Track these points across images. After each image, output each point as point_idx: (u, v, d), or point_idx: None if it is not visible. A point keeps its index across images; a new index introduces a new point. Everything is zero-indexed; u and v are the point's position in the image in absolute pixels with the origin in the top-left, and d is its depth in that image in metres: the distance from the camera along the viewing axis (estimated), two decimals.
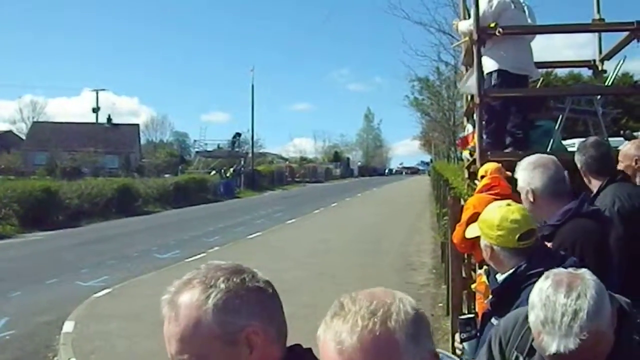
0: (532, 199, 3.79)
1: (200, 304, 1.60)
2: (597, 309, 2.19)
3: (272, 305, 1.66)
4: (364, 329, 1.41)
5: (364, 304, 1.45)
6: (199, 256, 16.28)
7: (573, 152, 4.88)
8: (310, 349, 1.72)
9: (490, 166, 6.14)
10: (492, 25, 7.30)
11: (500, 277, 3.27)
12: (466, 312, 7.13)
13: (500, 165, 6.15)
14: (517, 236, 3.12)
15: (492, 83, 7.50)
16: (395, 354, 1.41)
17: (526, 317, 2.41)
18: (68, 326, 10.32)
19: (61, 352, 9.10)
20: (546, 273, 2.17)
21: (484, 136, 7.41)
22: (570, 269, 2.24)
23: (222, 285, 1.62)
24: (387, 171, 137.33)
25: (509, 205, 3.33)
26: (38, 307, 12.11)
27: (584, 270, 2.25)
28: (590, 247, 3.54)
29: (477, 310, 5.34)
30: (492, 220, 3.24)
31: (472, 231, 3.56)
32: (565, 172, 3.94)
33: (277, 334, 1.65)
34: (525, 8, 7.99)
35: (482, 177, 6.08)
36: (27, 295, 13.16)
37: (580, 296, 2.20)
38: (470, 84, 7.92)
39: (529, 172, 3.94)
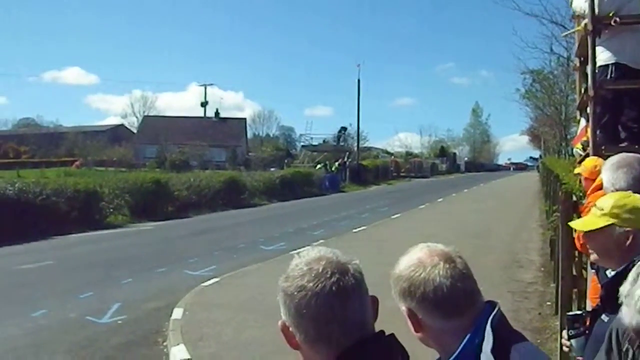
0: None
1: None
2: None
3: (296, 312, 1.74)
4: None
5: None
6: (303, 249, 16.38)
7: None
8: (392, 335, 1.81)
9: (597, 161, 5.92)
10: (611, 14, 7.04)
11: (610, 272, 3.13)
12: (575, 310, 6.91)
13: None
14: None
15: (609, 76, 7.22)
16: None
17: None
18: (177, 313, 10.56)
19: (170, 338, 9.29)
20: None
21: (598, 130, 7.17)
22: None
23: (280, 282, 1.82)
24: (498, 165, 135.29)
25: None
26: (148, 294, 12.50)
27: None
28: None
29: (588, 308, 5.15)
30: (636, 200, 3.09)
31: (598, 221, 3.32)
32: None
33: (305, 338, 1.75)
34: None
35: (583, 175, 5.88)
36: (138, 282, 13.58)
37: None
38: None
39: (612, 172, 3.80)
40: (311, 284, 1.72)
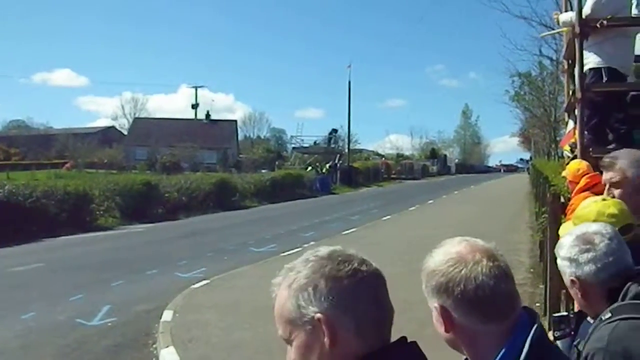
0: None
1: (286, 287, 1.67)
2: None
3: (352, 296, 1.62)
4: None
5: None
6: (294, 250, 16.34)
7: None
8: (414, 342, 1.70)
9: (580, 164, 5.99)
10: (609, 18, 7.10)
11: None
12: (563, 311, 6.94)
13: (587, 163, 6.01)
14: None
15: (603, 79, 7.29)
16: None
17: None
18: (167, 315, 10.57)
19: (160, 340, 9.30)
20: None
21: (586, 132, 7.22)
22: None
23: (305, 272, 1.65)
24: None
25: (604, 199, 3.24)
26: (138, 296, 12.48)
27: None
28: None
29: (575, 309, 5.19)
30: (588, 215, 3.16)
31: (566, 229, 3.44)
32: None
33: (356, 325, 1.62)
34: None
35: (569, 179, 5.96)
36: (128, 284, 13.57)
37: None
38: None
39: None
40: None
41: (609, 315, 2.53)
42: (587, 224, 2.91)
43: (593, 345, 2.44)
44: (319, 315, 1.60)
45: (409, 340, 1.70)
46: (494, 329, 1.89)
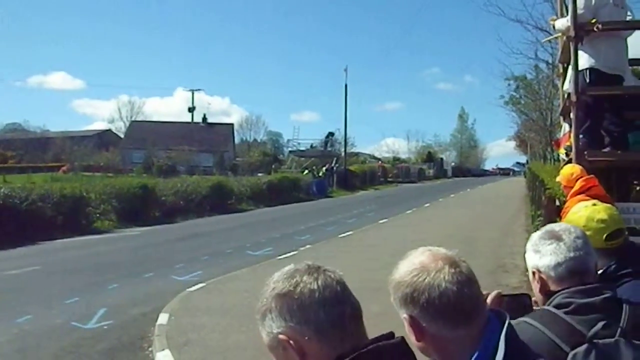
0: None
1: (257, 318, 1.77)
2: None
3: (300, 306, 1.68)
4: None
5: None
6: (290, 254, 16.38)
7: None
8: (402, 338, 1.74)
9: (573, 169, 6.01)
10: (593, 21, 7.11)
11: None
12: None
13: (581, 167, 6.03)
14: (604, 236, 3.05)
15: (586, 81, 7.30)
16: None
17: None
18: (163, 318, 10.55)
19: (156, 343, 9.29)
20: None
21: (581, 135, 7.23)
22: None
23: (264, 298, 1.74)
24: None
25: (595, 205, 3.26)
26: (134, 299, 12.46)
27: None
28: None
29: None
30: (578, 220, 3.17)
31: None
32: None
33: (316, 332, 1.66)
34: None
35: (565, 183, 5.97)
36: (124, 287, 13.55)
37: None
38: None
39: None
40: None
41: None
42: (560, 223, 2.96)
43: None
44: (281, 335, 1.69)
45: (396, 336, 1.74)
46: (463, 333, 1.91)
